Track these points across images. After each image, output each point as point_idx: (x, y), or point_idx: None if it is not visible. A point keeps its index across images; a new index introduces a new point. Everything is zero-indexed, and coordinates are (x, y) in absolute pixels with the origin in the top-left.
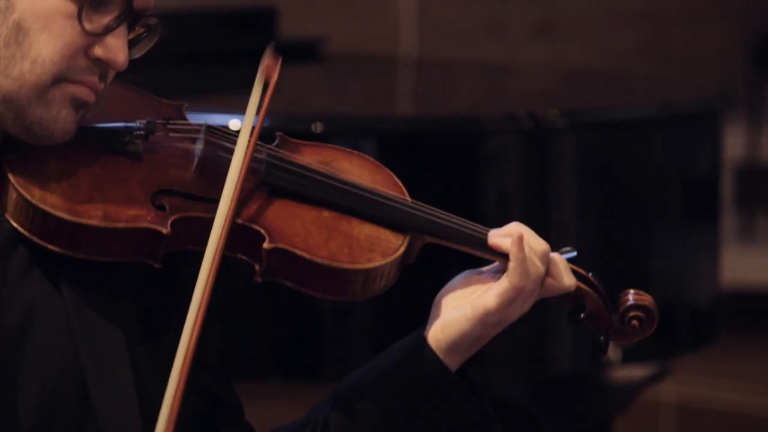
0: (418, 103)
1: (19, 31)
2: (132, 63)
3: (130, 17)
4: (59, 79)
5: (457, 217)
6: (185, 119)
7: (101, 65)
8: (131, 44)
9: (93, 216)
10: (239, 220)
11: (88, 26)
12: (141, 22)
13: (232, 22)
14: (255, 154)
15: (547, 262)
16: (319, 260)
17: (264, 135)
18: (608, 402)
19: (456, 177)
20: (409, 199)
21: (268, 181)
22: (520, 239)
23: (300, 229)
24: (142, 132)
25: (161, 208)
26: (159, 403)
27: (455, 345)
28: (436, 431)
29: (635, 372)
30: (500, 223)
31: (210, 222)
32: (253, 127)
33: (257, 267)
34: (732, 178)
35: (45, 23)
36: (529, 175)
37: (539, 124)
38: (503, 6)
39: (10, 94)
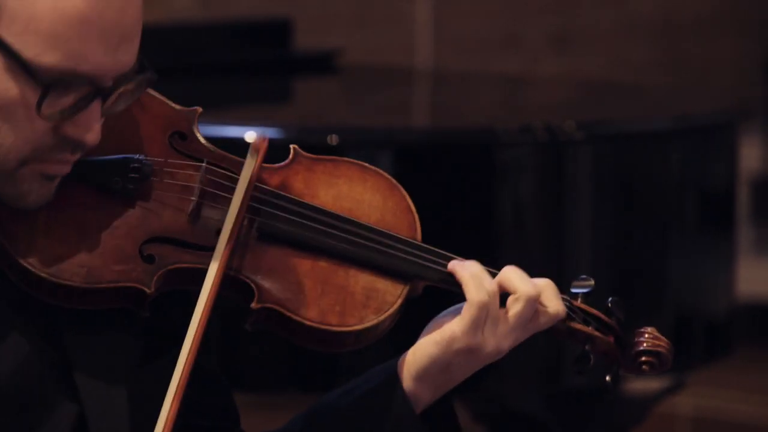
0: (434, 115)
1: None
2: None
3: (98, 96)
4: (26, 161)
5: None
6: (195, 129)
7: (72, 142)
8: (119, 97)
9: (75, 275)
10: (231, 272)
11: (48, 111)
12: (122, 87)
13: (248, 34)
14: (253, 203)
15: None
16: (307, 323)
17: (279, 147)
18: (624, 415)
19: (472, 189)
20: (419, 231)
21: (265, 230)
22: (463, 263)
23: (292, 284)
24: (135, 176)
25: (150, 259)
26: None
27: (425, 370)
28: None
29: (651, 384)
30: (516, 235)
31: (200, 272)
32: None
33: (246, 319)
34: (748, 190)
35: (6, 113)
36: (545, 188)
37: (555, 136)
38: (520, 18)
39: None
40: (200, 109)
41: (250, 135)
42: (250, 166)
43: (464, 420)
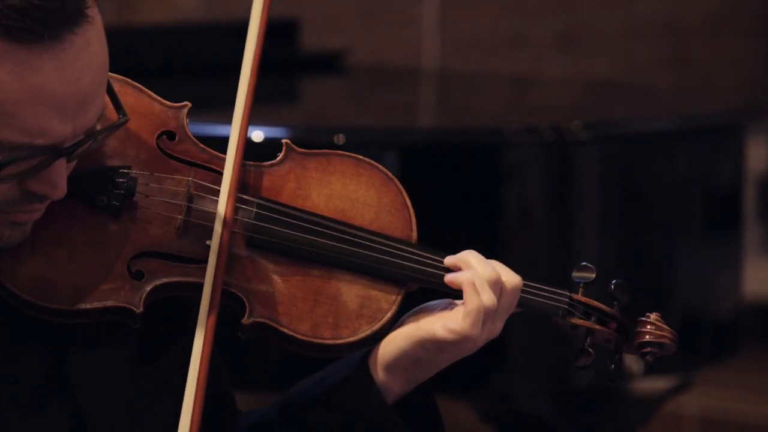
0: (441, 115)
1: None
2: (155, 74)
3: (60, 156)
4: None
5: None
6: (185, 126)
7: (37, 196)
8: (92, 139)
9: (62, 297)
10: (223, 286)
11: (6, 175)
12: (91, 140)
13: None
14: (242, 218)
15: (500, 296)
16: (299, 336)
17: (272, 145)
18: (630, 414)
19: (478, 189)
20: (414, 228)
21: (255, 241)
22: (472, 284)
23: (285, 296)
24: (120, 192)
25: (138, 276)
26: (162, 424)
27: (395, 363)
28: None
29: (657, 384)
30: (522, 236)
31: (191, 284)
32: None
33: (239, 330)
34: (755, 190)
35: None
36: (551, 188)
37: (562, 136)
38: (526, 18)
39: None
40: (189, 104)
41: (257, 135)
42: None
43: (471, 420)
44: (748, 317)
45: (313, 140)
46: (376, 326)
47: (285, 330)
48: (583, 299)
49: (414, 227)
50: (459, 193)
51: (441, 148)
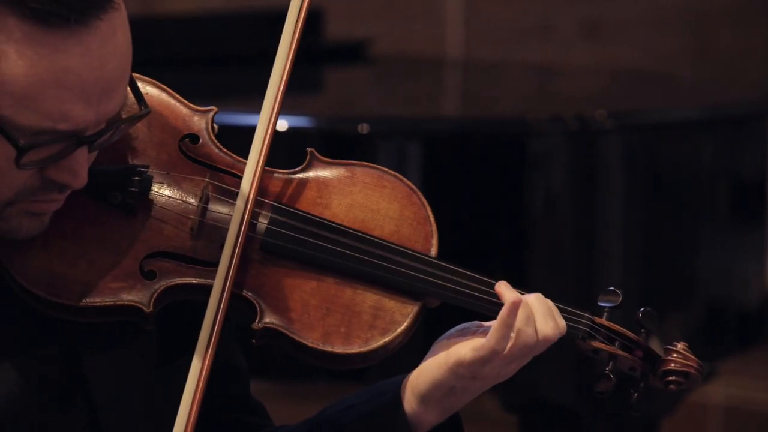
0: (465, 104)
1: None
2: (179, 65)
3: (82, 144)
4: (11, 203)
5: (475, 276)
6: (209, 131)
7: (57, 185)
8: (112, 134)
9: (72, 293)
10: (235, 290)
11: (29, 161)
12: (113, 129)
13: (278, 24)
14: (258, 221)
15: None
16: (309, 344)
17: (309, 136)
18: (655, 404)
19: (502, 179)
20: (435, 244)
21: (270, 247)
22: (516, 304)
23: (297, 303)
24: (135, 190)
25: (150, 275)
26: (165, 418)
27: (428, 394)
28: None
29: None
30: (546, 225)
31: (203, 287)
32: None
33: (252, 336)
34: None
35: None
36: (575, 177)
37: (586, 125)
38: (550, 7)
39: None
40: (216, 109)
41: (282, 125)
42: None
43: (495, 409)
44: None
45: (337, 130)
46: (389, 338)
47: (295, 337)
48: (606, 323)
49: (435, 242)
50: (483, 182)
51: (465, 137)
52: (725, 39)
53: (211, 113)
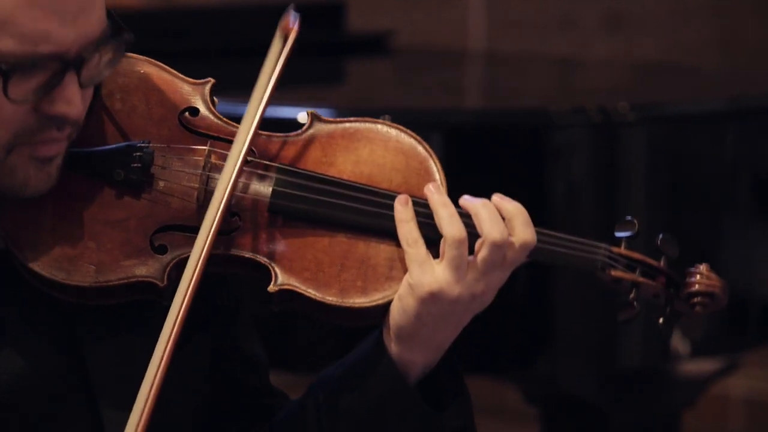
0: (487, 96)
1: None
2: (201, 58)
3: (69, 69)
4: (11, 147)
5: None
6: (208, 102)
7: (54, 119)
8: (99, 65)
9: (85, 275)
10: (247, 254)
11: (19, 94)
12: (95, 54)
13: (300, 15)
14: (262, 184)
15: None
16: (328, 300)
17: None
18: (677, 396)
19: (524, 171)
20: (444, 190)
21: (278, 208)
22: (402, 199)
23: (311, 262)
24: (137, 165)
25: (161, 250)
26: (175, 405)
27: (400, 328)
28: None
29: (704, 365)
30: (568, 216)
31: (215, 257)
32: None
33: (270, 301)
34: None
35: None
36: (598, 169)
37: (609, 117)
38: None
39: None
40: (213, 81)
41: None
42: (275, 50)
43: (517, 402)
44: None
45: None
46: None
47: (313, 296)
48: (625, 252)
49: (444, 190)
50: (505, 174)
51: (487, 129)
52: (749, 30)
53: (209, 85)
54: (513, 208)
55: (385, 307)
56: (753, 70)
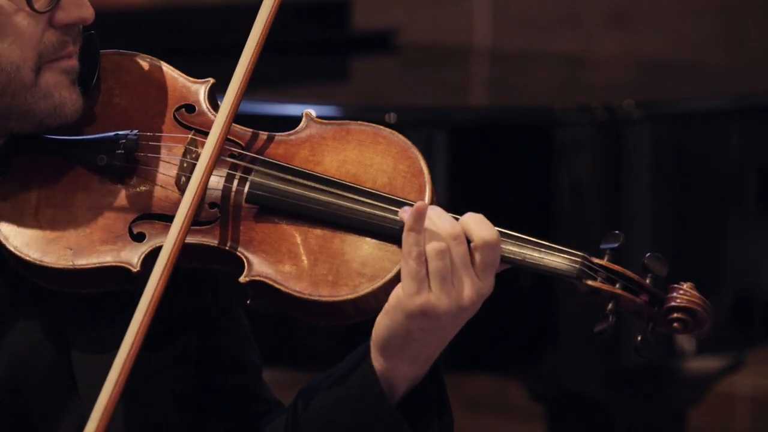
0: (492, 94)
1: None
2: (202, 56)
3: None
4: (39, 66)
5: None
6: (206, 101)
7: (70, 29)
8: None
9: (61, 258)
10: (223, 246)
11: (40, 5)
12: None
13: (307, 14)
14: (243, 174)
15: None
16: (296, 294)
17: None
18: (682, 393)
19: (530, 168)
20: (428, 194)
21: (255, 200)
22: (418, 210)
23: (285, 255)
24: (121, 152)
25: (139, 237)
26: (155, 407)
27: (387, 343)
28: None
29: (710, 363)
30: (574, 215)
31: (192, 247)
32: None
33: (245, 295)
34: None
35: (4, 30)
36: (603, 167)
37: (614, 115)
38: None
39: (8, 107)
40: (212, 80)
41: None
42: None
43: (522, 399)
44: None
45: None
46: (378, 284)
47: (283, 288)
48: (605, 263)
49: (429, 193)
50: (510, 172)
51: (492, 127)
52: (754, 27)
53: (208, 84)
54: (466, 216)
55: (355, 305)
56: (758, 67)
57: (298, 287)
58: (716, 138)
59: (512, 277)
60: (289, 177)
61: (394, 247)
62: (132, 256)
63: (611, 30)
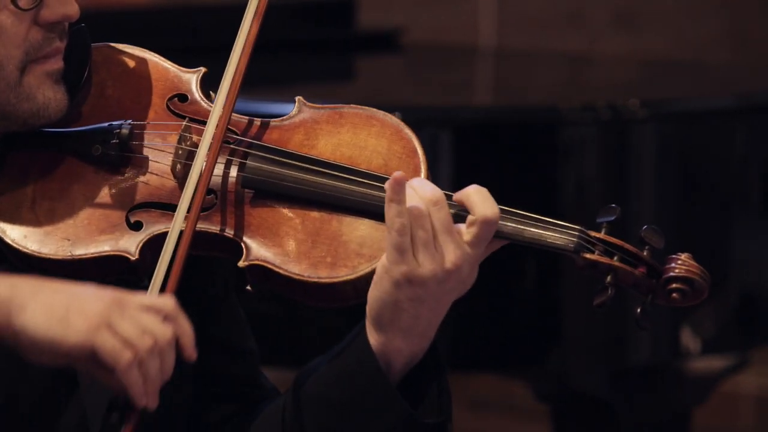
0: (497, 93)
1: None
2: (206, 55)
3: None
4: (24, 66)
5: (453, 203)
6: (198, 89)
7: (55, 26)
8: None
9: (59, 249)
10: (220, 231)
11: (24, 3)
12: None
13: (311, 13)
14: (239, 159)
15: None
16: (295, 276)
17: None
18: (687, 393)
19: (534, 168)
20: (423, 174)
21: (251, 185)
22: (397, 180)
23: (283, 238)
24: (115, 141)
25: (137, 226)
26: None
27: (378, 316)
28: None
29: (714, 363)
30: (578, 214)
31: (193, 234)
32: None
33: (245, 281)
34: None
35: None
36: (608, 166)
37: (618, 114)
38: None
39: None
40: (204, 69)
41: None
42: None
43: (527, 398)
44: None
45: None
46: (377, 264)
47: (282, 271)
48: (602, 236)
49: (424, 173)
50: (515, 171)
51: (497, 126)
52: (759, 26)
53: (200, 73)
54: (471, 189)
55: (355, 285)
56: (763, 66)
57: (297, 270)
58: (720, 137)
59: (517, 276)
60: (284, 160)
61: None
62: (130, 245)
63: (616, 30)
